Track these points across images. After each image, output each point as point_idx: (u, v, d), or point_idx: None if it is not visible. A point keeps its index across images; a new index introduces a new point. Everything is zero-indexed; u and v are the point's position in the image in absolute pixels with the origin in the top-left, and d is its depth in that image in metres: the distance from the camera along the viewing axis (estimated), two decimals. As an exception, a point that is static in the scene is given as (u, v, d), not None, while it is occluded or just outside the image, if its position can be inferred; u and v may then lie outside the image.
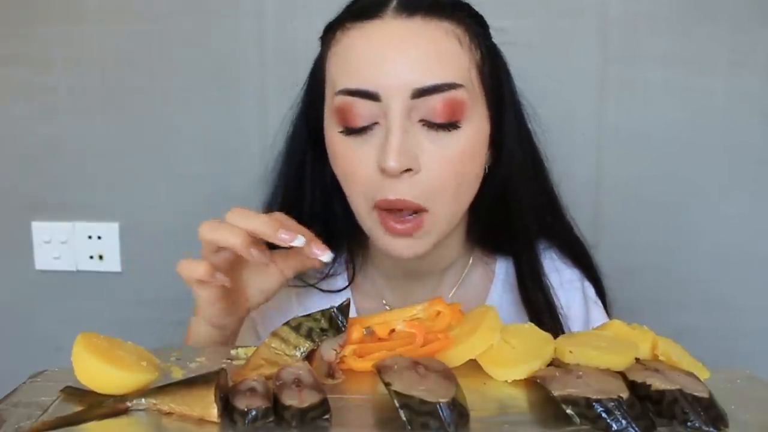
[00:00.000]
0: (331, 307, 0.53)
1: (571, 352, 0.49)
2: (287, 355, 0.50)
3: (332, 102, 0.66)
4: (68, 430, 0.42)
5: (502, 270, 0.80)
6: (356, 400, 0.46)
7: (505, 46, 0.71)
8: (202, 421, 0.43)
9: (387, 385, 0.43)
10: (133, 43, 1.09)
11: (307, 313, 0.53)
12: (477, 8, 0.69)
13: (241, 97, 1.09)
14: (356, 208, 0.68)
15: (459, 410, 0.42)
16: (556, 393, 0.44)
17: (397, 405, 0.42)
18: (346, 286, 0.78)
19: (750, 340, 1.08)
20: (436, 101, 0.62)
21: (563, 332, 0.72)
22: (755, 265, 1.06)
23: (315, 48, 1.06)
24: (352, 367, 0.51)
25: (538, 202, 0.76)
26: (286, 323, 0.52)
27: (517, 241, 0.76)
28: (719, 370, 0.51)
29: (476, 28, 0.67)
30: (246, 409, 0.42)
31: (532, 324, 0.54)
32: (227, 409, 0.43)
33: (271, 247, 0.62)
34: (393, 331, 0.55)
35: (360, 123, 0.64)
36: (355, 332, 0.53)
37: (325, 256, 0.59)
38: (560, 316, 0.74)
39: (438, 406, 0.42)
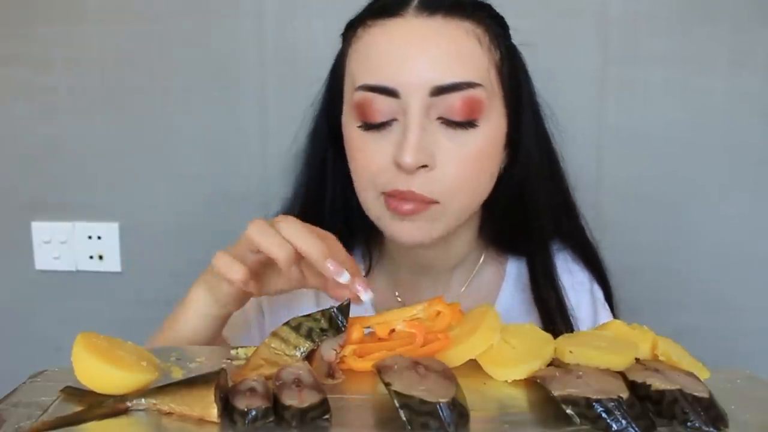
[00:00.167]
0: (331, 307, 0.53)
1: (571, 352, 0.49)
2: (287, 355, 0.50)
3: (352, 97, 0.67)
4: (68, 430, 0.42)
5: (514, 270, 0.80)
6: (356, 400, 0.46)
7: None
8: (202, 421, 0.43)
9: (387, 385, 0.43)
10: (133, 43, 1.09)
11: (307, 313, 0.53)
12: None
13: (241, 97, 1.09)
14: (363, 197, 0.69)
15: (459, 410, 0.42)
16: (556, 393, 0.44)
17: (397, 405, 0.42)
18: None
19: (750, 340, 1.08)
20: (455, 99, 0.63)
21: None
22: (755, 265, 1.06)
23: (315, 48, 1.07)
24: (352, 367, 0.51)
25: (554, 202, 0.77)
26: (286, 323, 0.52)
27: (532, 241, 0.77)
28: (719, 370, 0.51)
29: (496, 28, 0.68)
30: (246, 409, 0.42)
31: (533, 324, 0.54)
32: (227, 409, 0.43)
33: None
34: (393, 331, 0.55)
35: (379, 119, 0.65)
36: (355, 332, 0.53)
37: (366, 295, 0.57)
38: (571, 318, 0.75)
39: (438, 406, 0.42)
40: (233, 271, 0.58)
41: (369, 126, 0.66)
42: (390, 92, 0.64)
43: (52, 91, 1.12)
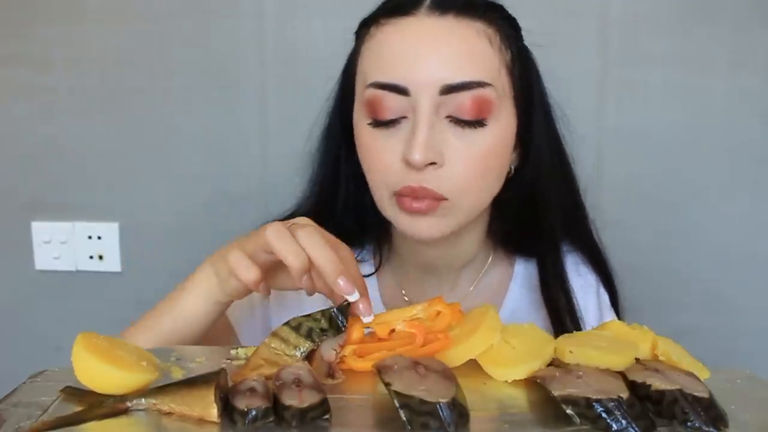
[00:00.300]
0: (331, 308, 0.53)
1: (571, 352, 0.49)
2: (287, 355, 0.50)
3: (363, 95, 0.67)
4: (68, 430, 0.42)
5: (522, 270, 0.81)
6: (356, 400, 0.46)
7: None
8: (202, 421, 0.43)
9: (387, 385, 0.43)
10: (133, 43, 1.09)
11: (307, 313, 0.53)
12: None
13: (241, 97, 1.09)
14: (377, 197, 0.70)
15: (459, 410, 0.42)
16: (556, 393, 0.44)
17: (397, 405, 0.42)
18: (372, 273, 0.80)
19: (750, 340, 1.08)
20: (465, 98, 0.64)
21: None
22: (755, 265, 1.06)
23: (315, 48, 1.07)
24: (352, 367, 0.51)
25: (566, 203, 0.78)
26: (286, 323, 0.52)
27: (542, 242, 0.77)
28: (719, 370, 0.51)
29: (508, 29, 0.69)
30: (246, 409, 0.42)
31: (533, 324, 0.54)
32: (227, 409, 0.43)
33: None
34: (393, 331, 0.55)
35: (388, 116, 0.65)
36: (355, 332, 0.53)
37: (368, 318, 0.56)
38: (580, 320, 0.75)
39: (438, 406, 0.42)
40: (247, 272, 0.58)
41: (379, 123, 0.66)
42: (400, 90, 0.64)
43: (52, 91, 1.12)
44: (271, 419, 0.42)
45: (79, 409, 0.44)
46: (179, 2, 1.08)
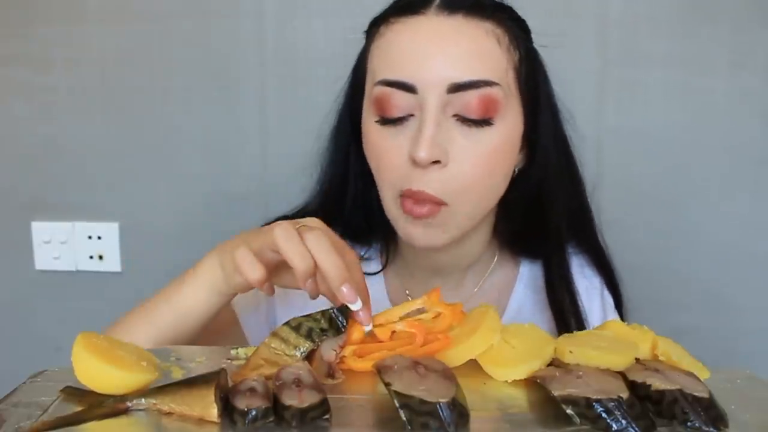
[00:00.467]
0: (331, 308, 0.53)
1: (571, 352, 0.49)
2: (287, 355, 0.50)
3: (371, 92, 0.68)
4: (68, 430, 0.42)
5: (527, 272, 0.81)
6: (356, 400, 0.46)
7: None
8: (202, 421, 0.43)
9: (387, 385, 0.43)
10: (133, 43, 1.09)
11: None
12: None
13: (241, 97, 1.09)
14: (384, 197, 0.70)
15: (459, 410, 0.42)
16: (556, 393, 0.44)
17: (397, 405, 0.42)
18: (379, 271, 0.80)
19: (750, 340, 1.08)
20: (471, 97, 0.64)
21: None
22: (755, 265, 1.06)
23: (315, 48, 1.07)
24: (352, 367, 0.51)
25: (572, 205, 0.78)
26: (286, 323, 0.52)
27: (549, 243, 0.77)
28: (719, 370, 0.51)
29: (517, 30, 0.69)
30: (246, 409, 0.42)
31: (533, 324, 0.54)
32: (227, 409, 0.43)
33: None
34: (394, 332, 0.55)
35: (396, 114, 0.66)
36: (355, 333, 0.53)
37: (367, 327, 0.55)
38: (584, 321, 0.75)
39: (438, 406, 0.42)
40: (252, 270, 0.57)
41: (386, 121, 0.67)
42: (408, 88, 0.65)
43: (52, 91, 1.12)
44: (271, 419, 0.42)
45: (79, 409, 0.44)
46: (179, 2, 1.08)
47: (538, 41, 0.73)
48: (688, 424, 0.43)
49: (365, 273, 0.76)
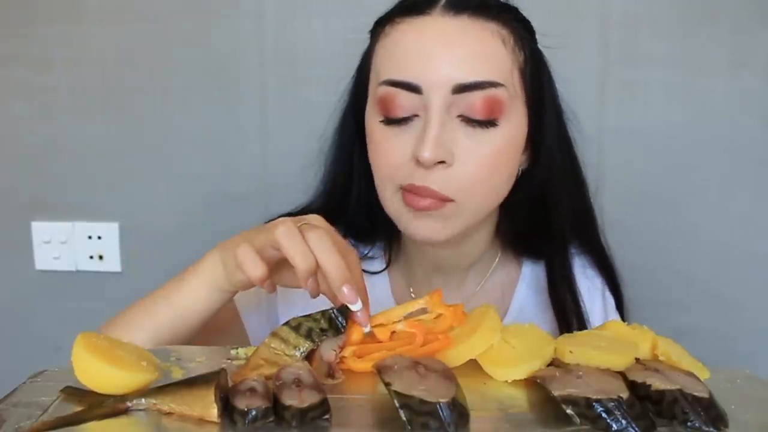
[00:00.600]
0: (331, 308, 0.53)
1: (571, 352, 0.49)
2: (287, 355, 0.50)
3: (375, 92, 0.68)
4: (68, 430, 0.42)
5: (529, 272, 0.81)
6: (356, 400, 0.46)
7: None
8: (202, 421, 0.43)
9: (387, 385, 0.43)
10: (133, 43, 1.09)
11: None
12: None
13: (241, 97, 1.09)
14: (381, 191, 0.70)
15: (459, 410, 0.42)
16: (556, 393, 0.44)
17: (397, 405, 0.42)
18: (382, 270, 0.80)
19: (750, 340, 1.08)
20: (476, 98, 0.64)
21: None
22: (755, 265, 1.06)
23: (315, 48, 1.07)
24: (351, 367, 0.51)
25: (576, 206, 0.78)
26: (286, 323, 0.52)
27: (552, 243, 0.78)
28: (719, 370, 0.51)
29: (522, 31, 0.69)
30: (246, 409, 0.42)
31: (533, 324, 0.54)
32: (227, 409, 0.43)
33: None
34: (393, 333, 0.55)
35: (400, 114, 0.66)
36: (355, 333, 0.53)
37: (366, 328, 0.55)
38: (586, 321, 0.76)
39: (438, 406, 0.42)
40: (254, 267, 0.57)
41: (390, 121, 0.67)
42: (413, 88, 0.65)
43: (52, 91, 1.12)
44: (271, 419, 0.42)
45: (79, 409, 0.44)
46: (179, 2, 1.08)
47: (540, 42, 0.73)
48: (688, 424, 0.43)
49: (369, 272, 0.77)
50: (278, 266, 0.61)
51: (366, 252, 0.80)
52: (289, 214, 0.79)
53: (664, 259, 1.07)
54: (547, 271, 0.78)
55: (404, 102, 0.65)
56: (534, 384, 0.47)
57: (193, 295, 0.62)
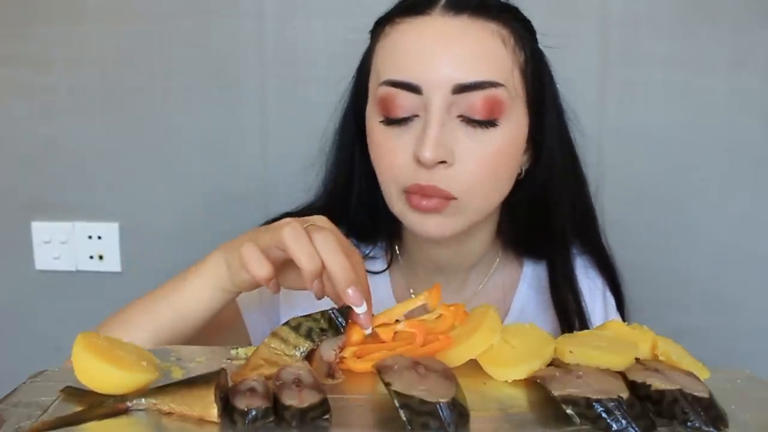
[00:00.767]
0: (331, 308, 0.53)
1: (571, 352, 0.49)
2: (287, 355, 0.50)
3: (376, 92, 0.68)
4: (68, 430, 0.42)
5: (531, 272, 0.81)
6: (356, 400, 0.46)
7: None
8: (202, 421, 0.43)
9: (387, 385, 0.43)
10: (133, 43, 1.09)
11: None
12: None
13: (241, 97, 1.09)
14: (387, 193, 0.70)
15: (459, 410, 0.42)
16: (556, 393, 0.44)
17: (397, 405, 0.42)
18: (384, 270, 0.80)
19: (750, 340, 1.08)
20: (476, 98, 0.64)
21: None
22: (755, 265, 1.06)
23: (315, 48, 1.07)
24: (351, 368, 0.51)
25: (577, 206, 0.78)
26: (286, 323, 0.52)
27: (553, 243, 0.78)
28: (719, 370, 0.51)
29: (522, 31, 0.69)
30: (246, 409, 0.42)
31: (533, 324, 0.54)
32: (227, 409, 0.43)
33: None
34: (395, 333, 0.55)
35: (401, 114, 0.66)
36: (355, 334, 0.53)
37: (368, 330, 0.55)
38: (587, 321, 0.75)
39: (438, 406, 0.42)
40: (259, 267, 0.57)
41: (391, 121, 0.67)
42: (413, 88, 0.65)
43: (52, 91, 1.12)
44: (271, 419, 0.42)
45: (79, 409, 0.44)
46: (179, 2, 1.08)
47: (540, 42, 0.73)
48: (688, 424, 0.43)
49: (371, 272, 0.77)
50: (283, 267, 0.61)
51: (368, 252, 0.80)
52: (290, 214, 0.79)
53: (664, 259, 1.07)
54: (549, 271, 0.78)
55: (404, 102, 0.65)
56: (534, 384, 0.47)
57: (196, 295, 0.62)
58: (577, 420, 0.42)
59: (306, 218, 0.60)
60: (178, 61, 1.09)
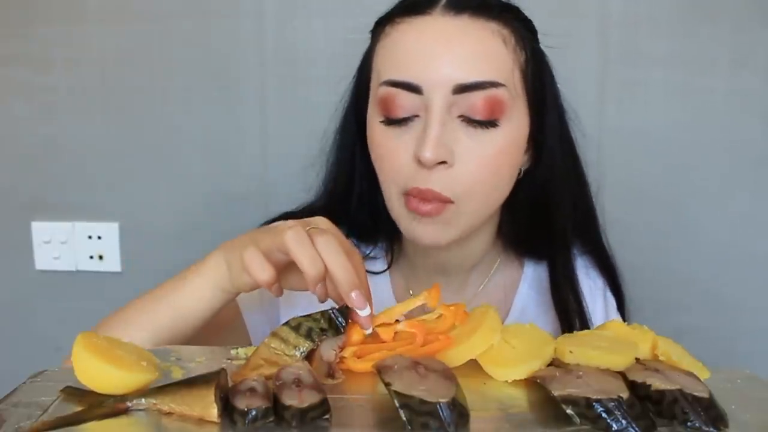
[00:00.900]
0: (331, 309, 0.53)
1: (571, 352, 0.49)
2: (287, 355, 0.50)
3: (376, 92, 0.68)
4: (68, 430, 0.42)
5: (531, 273, 0.81)
6: (356, 400, 0.46)
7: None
8: (202, 421, 0.43)
9: (387, 385, 0.43)
10: (133, 43, 1.09)
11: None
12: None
13: (241, 97, 1.09)
14: (387, 194, 0.70)
15: (459, 410, 0.42)
16: (556, 393, 0.44)
17: (397, 405, 0.42)
18: (384, 270, 0.80)
19: (750, 340, 1.08)
20: (477, 98, 0.64)
21: None
22: (755, 265, 1.06)
23: (315, 48, 1.07)
24: (351, 368, 0.51)
25: (578, 206, 0.78)
26: (286, 323, 0.52)
27: (554, 244, 0.77)
28: (719, 370, 0.51)
29: (523, 31, 0.69)
30: (246, 409, 0.42)
31: (533, 324, 0.54)
32: (227, 409, 0.43)
33: None
34: (396, 333, 0.55)
35: (401, 114, 0.66)
36: (355, 334, 0.53)
37: (368, 330, 0.55)
38: (588, 321, 0.75)
39: (438, 406, 0.42)
40: (261, 271, 0.56)
41: (391, 121, 0.67)
42: (413, 88, 0.65)
43: (52, 91, 1.12)
44: (271, 419, 0.42)
45: (79, 409, 0.44)
46: (179, 2, 1.08)
47: (540, 42, 0.73)
48: (688, 424, 0.43)
49: (371, 272, 0.77)
50: (285, 269, 0.61)
51: (368, 252, 0.80)
52: (290, 214, 0.79)
53: (664, 259, 1.07)
54: (550, 272, 0.78)
55: (405, 102, 0.65)
56: (534, 384, 0.47)
57: (196, 294, 0.62)
58: (577, 420, 0.42)
59: (307, 220, 0.60)
60: (178, 61, 1.09)
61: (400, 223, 0.70)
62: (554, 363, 0.50)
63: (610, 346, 0.49)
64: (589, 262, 0.82)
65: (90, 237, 1.15)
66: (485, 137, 0.65)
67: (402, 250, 0.81)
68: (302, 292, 0.62)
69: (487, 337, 0.51)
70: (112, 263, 1.16)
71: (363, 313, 0.53)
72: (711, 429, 0.42)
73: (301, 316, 0.52)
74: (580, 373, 0.46)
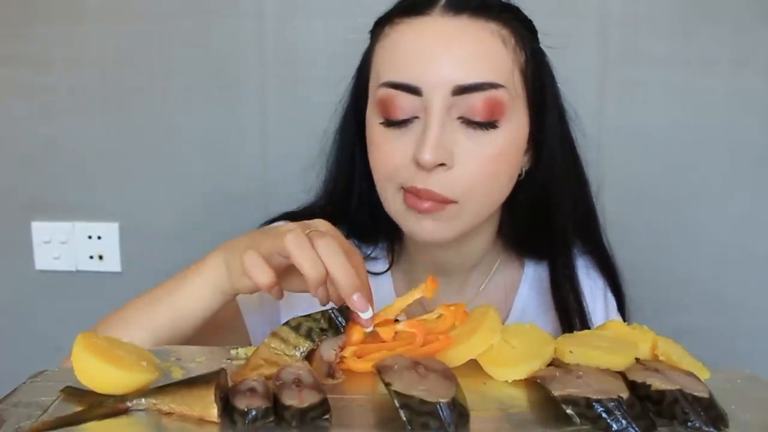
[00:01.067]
0: (331, 308, 0.53)
1: (571, 352, 0.49)
2: (287, 355, 0.50)
3: (375, 93, 0.68)
4: (68, 430, 0.42)
5: (532, 273, 0.81)
6: (356, 400, 0.46)
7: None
8: (202, 421, 0.43)
9: (387, 385, 0.43)
10: (133, 43, 1.09)
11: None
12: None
13: (241, 97, 1.09)
14: (383, 193, 0.70)
15: (459, 410, 0.42)
16: (556, 393, 0.44)
17: (397, 405, 0.42)
18: (385, 271, 0.80)
19: (750, 340, 1.08)
20: (477, 99, 0.64)
21: None
22: (755, 265, 1.06)
23: (315, 48, 1.07)
24: (351, 368, 0.51)
25: (579, 206, 0.78)
26: (286, 323, 0.52)
27: (555, 244, 0.77)
28: (719, 370, 0.51)
29: (523, 31, 0.69)
30: (246, 409, 0.42)
31: (533, 324, 0.54)
32: (227, 409, 0.43)
33: None
34: (396, 333, 0.55)
35: (400, 116, 0.66)
36: (355, 334, 0.53)
37: (368, 330, 0.55)
38: (588, 321, 0.75)
39: (438, 406, 0.42)
40: (262, 275, 0.56)
41: (391, 123, 0.66)
42: (413, 90, 0.64)
43: (52, 91, 1.12)
44: (271, 419, 0.42)
45: (79, 409, 0.44)
46: (179, 2, 1.08)
47: (540, 42, 0.73)
48: (689, 424, 0.43)
49: (372, 272, 0.77)
50: (285, 272, 0.61)
51: (369, 252, 0.80)
52: (290, 214, 0.79)
53: (664, 259, 1.07)
54: (550, 272, 0.78)
55: (404, 104, 0.65)
56: (534, 384, 0.47)
57: (196, 294, 0.62)
58: (577, 420, 0.42)
59: (307, 223, 0.59)
60: (178, 61, 1.09)
61: (399, 219, 0.70)
62: (554, 363, 0.50)
63: (610, 346, 0.49)
64: (589, 262, 0.82)
65: (90, 237, 1.15)
66: (485, 139, 0.65)
67: (403, 250, 0.81)
68: (304, 295, 0.62)
69: (487, 337, 0.51)
70: (112, 263, 1.16)
71: (365, 315, 0.53)
72: (711, 429, 0.42)
73: (301, 316, 0.52)
74: (580, 373, 0.46)
